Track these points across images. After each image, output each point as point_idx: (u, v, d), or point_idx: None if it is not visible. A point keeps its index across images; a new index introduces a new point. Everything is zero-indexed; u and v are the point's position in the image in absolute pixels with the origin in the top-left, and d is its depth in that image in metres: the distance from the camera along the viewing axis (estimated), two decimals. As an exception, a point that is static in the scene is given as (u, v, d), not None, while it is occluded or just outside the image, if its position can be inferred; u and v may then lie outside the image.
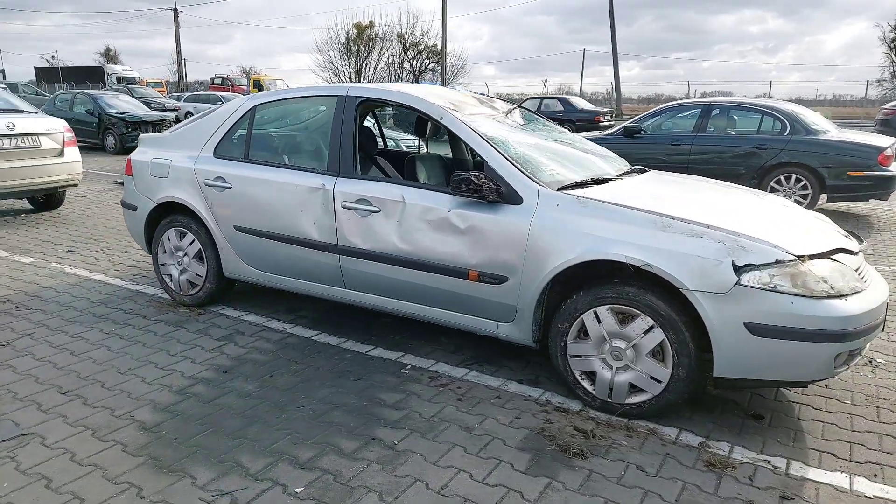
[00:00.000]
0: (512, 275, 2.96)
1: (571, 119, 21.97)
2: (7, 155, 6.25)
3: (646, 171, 3.90)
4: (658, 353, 2.71)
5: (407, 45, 59.25)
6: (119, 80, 37.31)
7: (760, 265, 2.52)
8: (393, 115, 12.41)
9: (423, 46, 55.56)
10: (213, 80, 36.89)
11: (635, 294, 2.69)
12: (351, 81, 44.71)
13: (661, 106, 9.89)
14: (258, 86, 33.46)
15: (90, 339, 3.58)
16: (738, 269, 2.52)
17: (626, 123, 9.61)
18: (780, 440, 2.69)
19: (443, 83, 35.30)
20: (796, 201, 7.64)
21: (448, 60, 58.32)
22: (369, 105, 3.56)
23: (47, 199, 7.33)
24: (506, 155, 3.08)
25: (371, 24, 58.65)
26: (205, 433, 2.60)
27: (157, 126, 14.41)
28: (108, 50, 72.16)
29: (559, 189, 2.98)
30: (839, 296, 2.54)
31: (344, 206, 3.37)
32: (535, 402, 2.95)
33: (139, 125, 14.20)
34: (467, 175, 2.94)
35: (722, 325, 2.55)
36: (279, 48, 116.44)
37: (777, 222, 2.93)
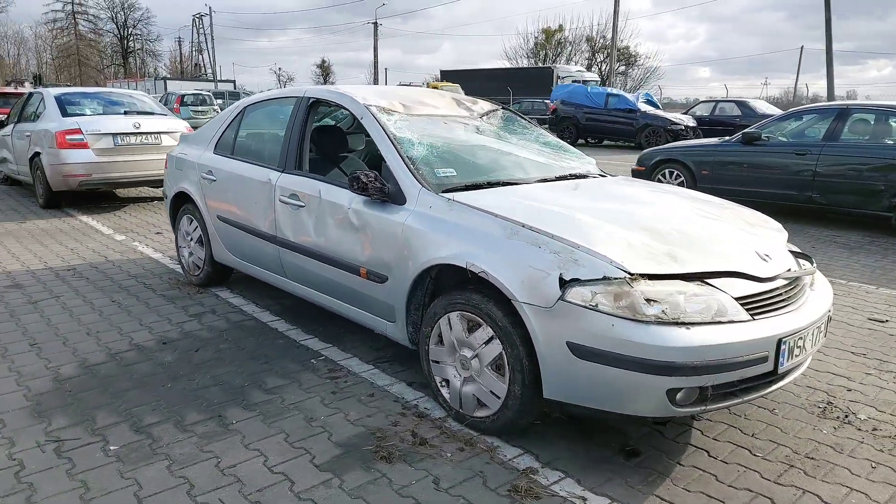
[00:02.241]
0: (390, 274, 2.96)
1: (747, 125, 20.06)
2: (133, 149, 7.40)
3: (605, 175, 3.63)
4: (500, 367, 2.56)
5: (596, 48, 57.99)
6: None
7: (586, 280, 2.28)
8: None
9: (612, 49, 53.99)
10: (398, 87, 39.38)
11: (479, 302, 2.57)
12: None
13: (792, 109, 8.77)
14: (436, 91, 35.03)
15: (95, 304, 4.20)
16: (564, 284, 2.31)
17: (748, 129, 8.68)
18: (630, 482, 2.40)
19: (603, 83, 33.83)
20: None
21: (640, 63, 55.98)
22: (319, 105, 3.74)
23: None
24: (403, 155, 3.08)
25: (560, 28, 58.33)
26: (94, 390, 2.98)
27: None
28: (324, 62, 80.00)
29: (444, 191, 2.93)
30: (677, 323, 2.21)
31: (280, 200, 3.60)
32: (403, 404, 2.93)
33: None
34: (357, 173, 3.00)
35: (547, 343, 2.36)
36: (485, 56, 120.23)
37: (676, 238, 2.58)
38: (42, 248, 5.75)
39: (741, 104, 21.73)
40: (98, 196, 8.38)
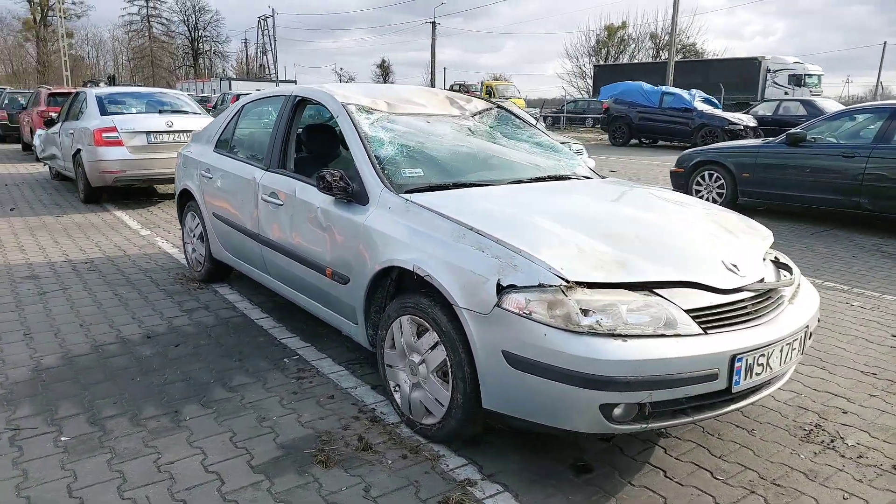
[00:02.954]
0: (351, 276, 2.93)
1: (811, 126, 19.07)
2: (165, 147, 7.64)
3: (591, 178, 3.48)
4: (445, 374, 2.48)
5: (661, 45, 56.40)
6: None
7: (522, 287, 2.18)
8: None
9: (679, 45, 52.40)
10: (451, 86, 39.38)
11: (427, 306, 2.50)
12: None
13: (842, 108, 8.25)
14: (489, 92, 34.91)
15: (98, 296, 4.34)
16: (501, 290, 2.21)
17: (793, 129, 8.22)
18: (572, 499, 2.28)
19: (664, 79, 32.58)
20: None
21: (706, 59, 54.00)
22: (304, 104, 3.73)
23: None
24: (371, 154, 3.04)
25: (623, 25, 56.98)
26: (66, 381, 3.07)
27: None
28: (383, 61, 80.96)
29: (407, 192, 2.86)
30: (613, 335, 2.08)
31: (262, 199, 3.62)
32: (361, 407, 2.89)
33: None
34: (323, 172, 2.98)
35: (484, 351, 2.27)
36: (549, 55, 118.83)
37: (636, 246, 2.43)
38: (69, 241, 6.00)
39: (807, 103, 20.60)
40: (137, 192, 8.70)
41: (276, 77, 52.27)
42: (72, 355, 3.37)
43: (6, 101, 16.96)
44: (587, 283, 2.17)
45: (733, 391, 2.23)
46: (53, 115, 9.93)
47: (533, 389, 2.17)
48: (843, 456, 2.60)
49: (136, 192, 8.69)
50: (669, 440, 2.70)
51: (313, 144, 3.99)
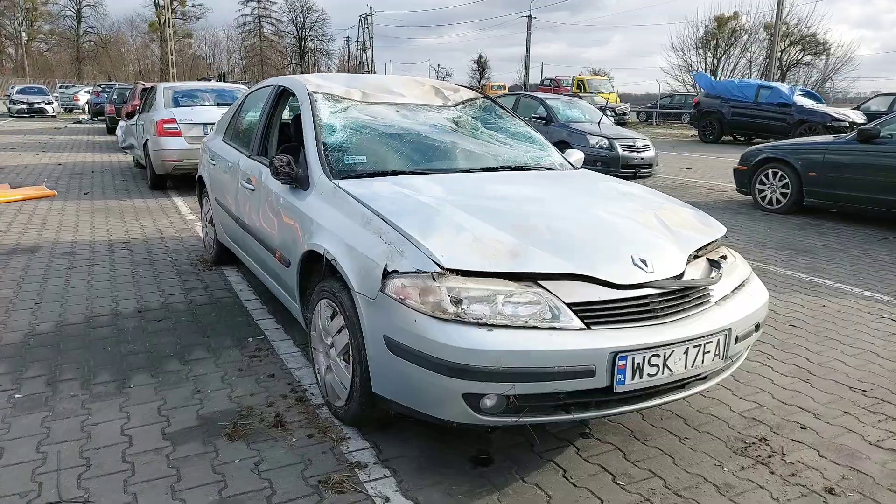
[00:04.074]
0: (291, 259, 3.01)
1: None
2: (221, 138, 8.09)
3: (556, 168, 3.39)
4: (349, 357, 2.51)
5: (777, 37, 52.82)
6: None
7: (403, 273, 2.18)
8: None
9: (796, 37, 48.97)
10: (542, 81, 38.87)
11: (337, 290, 2.54)
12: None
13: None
14: (580, 86, 34.17)
15: (116, 272, 4.70)
16: (386, 275, 2.22)
17: (865, 125, 7.52)
18: (455, 491, 2.25)
19: (783, 75, 30.21)
20: None
21: (831, 52, 50.11)
22: (286, 93, 3.84)
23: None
24: (319, 141, 3.11)
25: (735, 15, 53.80)
26: (47, 347, 3.36)
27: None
28: (480, 57, 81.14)
29: (343, 178, 2.91)
30: (479, 324, 2.04)
31: (241, 184, 3.78)
32: (294, 387, 2.97)
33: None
34: (273, 158, 3.08)
35: (371, 336, 2.28)
36: (657, 48, 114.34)
37: (542, 237, 2.35)
38: (120, 223, 6.51)
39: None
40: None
41: (373, 73, 53.69)
42: (64, 324, 3.68)
43: (115, 96, 18.52)
44: (464, 270, 2.13)
45: (616, 391, 2.11)
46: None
47: (407, 376, 2.16)
48: (773, 472, 2.40)
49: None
50: (588, 440, 2.59)
51: (298, 133, 4.11)
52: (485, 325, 2.04)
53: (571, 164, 3.66)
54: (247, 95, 4.53)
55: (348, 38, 77.63)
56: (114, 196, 8.15)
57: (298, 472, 2.33)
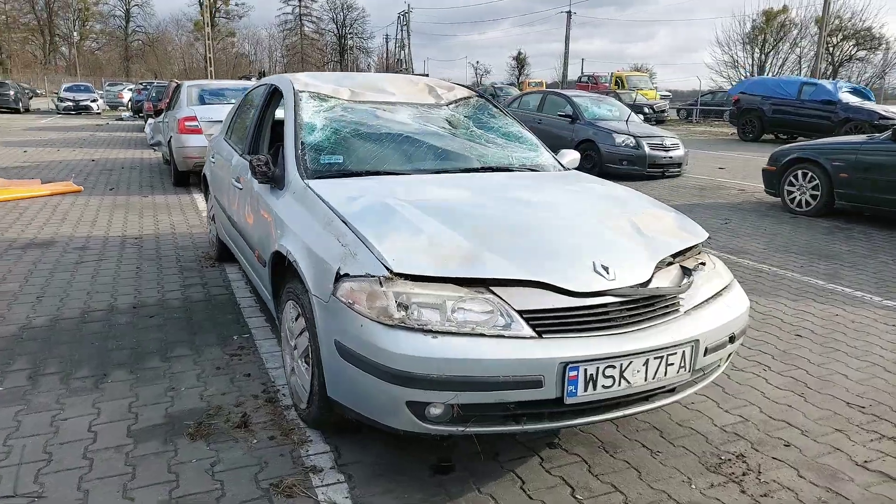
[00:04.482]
0: (266, 258, 3.00)
1: None
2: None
3: (545, 170, 3.32)
4: (309, 360, 2.49)
5: (829, 31, 50.94)
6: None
7: (353, 276, 2.14)
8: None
9: (850, 31, 47.14)
10: (580, 78, 38.35)
11: (301, 292, 2.52)
12: (752, 76, 40.19)
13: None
14: (619, 82, 33.64)
15: (122, 268, 4.79)
16: (338, 279, 2.18)
17: (902, 124, 7.18)
18: (407, 499, 2.21)
19: (835, 72, 28.98)
20: None
21: (888, 46, 48.05)
22: (277, 92, 3.84)
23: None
24: (298, 140, 3.09)
25: (785, 9, 51.96)
26: (38, 340, 3.43)
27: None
28: (519, 53, 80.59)
29: (316, 177, 2.89)
30: (423, 330, 1.98)
31: (231, 182, 3.80)
32: (266, 388, 2.96)
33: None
34: (252, 157, 3.08)
35: (324, 339, 2.26)
36: (703, 42, 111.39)
37: (503, 242, 2.28)
38: (137, 219, 6.64)
39: None
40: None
41: (411, 71, 53.84)
42: (59, 318, 3.76)
43: (153, 94, 18.99)
44: (414, 275, 2.08)
45: (568, 402, 2.03)
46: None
47: (356, 382, 2.13)
48: (743, 492, 2.28)
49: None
50: (555, 451, 2.52)
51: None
52: (430, 331, 1.99)
53: (562, 165, 3.57)
54: (246, 94, 4.56)
55: (387, 35, 78.00)
56: (137, 192, 8.33)
57: (252, 474, 2.31)
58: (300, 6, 68.49)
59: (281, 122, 3.84)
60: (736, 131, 20.67)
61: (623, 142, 10.78)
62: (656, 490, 2.29)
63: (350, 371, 2.12)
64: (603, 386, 2.06)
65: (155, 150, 10.70)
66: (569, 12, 51.43)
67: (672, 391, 2.30)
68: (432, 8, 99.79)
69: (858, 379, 3.23)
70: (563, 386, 2.01)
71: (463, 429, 2.05)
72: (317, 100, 3.41)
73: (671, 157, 10.90)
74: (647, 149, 10.67)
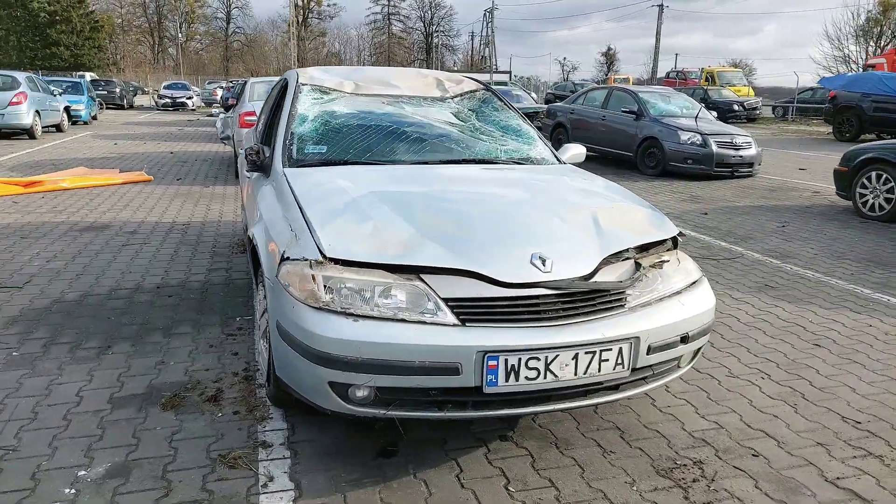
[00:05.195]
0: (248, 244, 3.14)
1: None
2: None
3: (541, 164, 3.30)
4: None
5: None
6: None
7: (292, 259, 2.22)
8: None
9: None
10: (667, 74, 37.03)
11: (262, 274, 2.63)
12: (860, 71, 37.30)
13: None
14: (709, 78, 32.26)
15: (161, 251, 5.11)
16: (282, 261, 2.27)
17: None
18: (340, 478, 2.27)
19: None
20: None
21: None
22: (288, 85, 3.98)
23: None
24: (287, 131, 3.21)
25: (905, -1, 47.82)
26: (64, 313, 3.73)
27: (529, 118, 16.00)
28: (609, 49, 78.67)
29: (298, 166, 3.00)
30: (346, 313, 2.04)
31: (244, 172, 3.98)
32: (248, 367, 3.09)
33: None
34: (247, 147, 3.23)
35: (271, 320, 2.35)
36: (812, 36, 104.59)
37: (448, 231, 2.29)
38: (191, 207, 7.05)
39: None
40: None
41: (495, 68, 53.80)
42: (89, 294, 4.08)
43: (238, 91, 19.95)
44: (346, 260, 2.13)
45: (488, 392, 2.02)
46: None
47: (291, 362, 2.21)
48: (686, 498, 2.19)
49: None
50: (505, 443, 2.50)
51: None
52: (352, 315, 2.04)
53: (557, 159, 3.51)
54: (273, 87, 4.74)
55: (472, 32, 78.28)
56: (201, 182, 8.82)
57: (206, 445, 2.44)
58: (388, 5, 69.98)
59: None
60: (832, 130, 19.34)
61: (689, 139, 10.36)
62: (594, 489, 2.23)
63: (287, 351, 2.21)
64: (526, 378, 2.04)
65: (225, 144, 11.27)
66: (660, 6, 49.64)
67: (616, 388, 2.24)
68: (521, 4, 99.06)
69: (866, 393, 3.00)
70: (482, 375, 2.00)
71: (385, 412, 2.09)
72: (317, 92, 3.52)
73: (741, 157, 10.38)
74: (714, 147, 10.20)
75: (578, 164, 3.77)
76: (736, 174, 10.41)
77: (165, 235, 5.68)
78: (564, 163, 3.51)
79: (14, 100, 13.28)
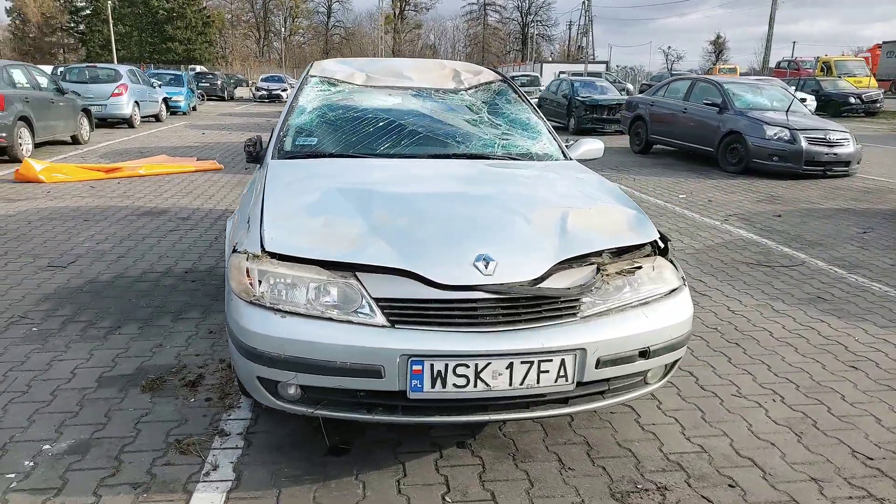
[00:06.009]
0: (247, 233, 3.19)
1: None
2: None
3: (541, 161, 3.16)
4: (236, 331, 2.62)
5: None
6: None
7: (237, 252, 2.22)
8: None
9: None
10: (778, 63, 34.66)
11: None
12: None
13: None
14: (825, 68, 29.99)
15: (202, 237, 5.33)
16: (232, 255, 2.28)
17: None
18: (285, 473, 2.26)
19: None
20: None
21: None
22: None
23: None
24: (284, 122, 3.23)
25: None
26: (93, 293, 3.95)
27: (612, 110, 15.47)
28: (718, 37, 74.80)
29: (287, 158, 3.01)
30: (274, 309, 2.01)
31: (263, 163, 4.06)
32: (239, 353, 3.16)
33: (595, 108, 15.60)
34: (247, 139, 3.29)
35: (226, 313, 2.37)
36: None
37: (401, 229, 2.22)
38: (249, 195, 7.30)
39: None
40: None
41: (592, 57, 52.44)
42: (121, 276, 4.30)
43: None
44: (283, 255, 2.11)
45: (412, 397, 1.94)
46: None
47: (233, 355, 2.21)
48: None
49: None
50: (461, 450, 2.41)
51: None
52: (279, 310, 2.01)
53: (564, 156, 3.33)
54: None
55: (570, 21, 76.69)
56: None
57: (167, 429, 2.50)
58: (485, -4, 69.74)
59: None
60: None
61: (775, 134, 9.63)
62: (541, 500, 2.10)
63: (230, 344, 2.21)
64: (455, 385, 1.94)
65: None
66: (772, -7, 46.45)
67: (565, 402, 2.09)
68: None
69: (892, 426, 2.66)
70: (406, 379, 1.92)
71: (311, 410, 2.05)
72: (324, 84, 3.52)
73: (836, 154, 9.54)
74: (803, 143, 9.42)
75: (594, 160, 3.57)
76: (829, 173, 9.58)
77: (213, 222, 5.91)
78: (571, 159, 3.32)
79: (115, 91, 14.29)
